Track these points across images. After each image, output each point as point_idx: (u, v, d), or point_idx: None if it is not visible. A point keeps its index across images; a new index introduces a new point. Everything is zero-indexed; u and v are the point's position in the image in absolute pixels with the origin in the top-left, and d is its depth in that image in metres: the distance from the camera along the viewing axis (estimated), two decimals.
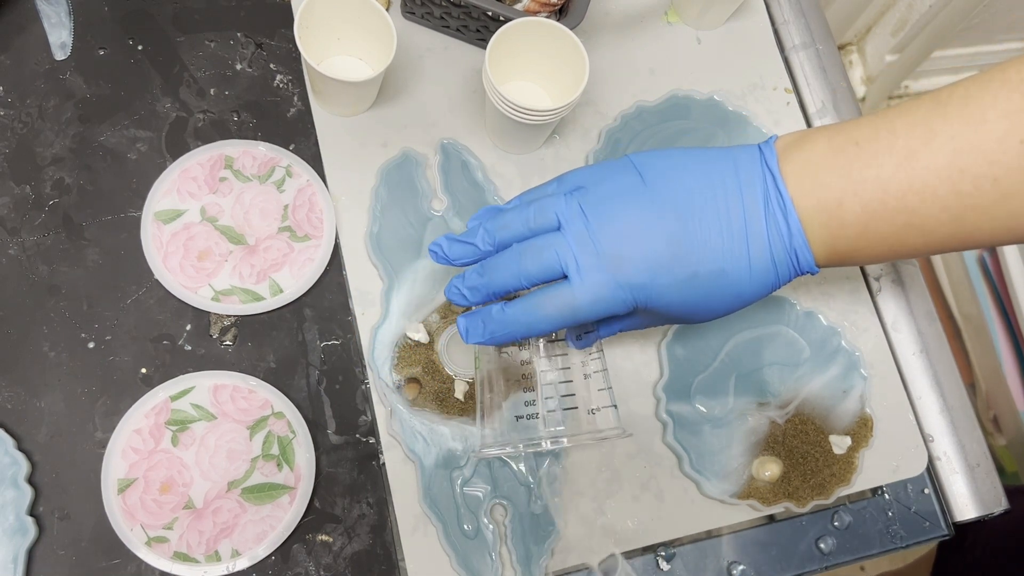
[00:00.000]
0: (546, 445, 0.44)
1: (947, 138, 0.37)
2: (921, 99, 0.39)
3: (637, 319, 0.46)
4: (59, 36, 0.55)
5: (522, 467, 0.51)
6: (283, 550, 0.49)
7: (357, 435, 0.52)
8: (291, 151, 0.55)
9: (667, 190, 0.41)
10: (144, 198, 0.53)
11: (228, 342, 0.52)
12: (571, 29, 0.52)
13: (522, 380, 0.45)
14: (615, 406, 0.47)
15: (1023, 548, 0.74)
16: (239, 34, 0.58)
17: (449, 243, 0.45)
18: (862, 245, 0.40)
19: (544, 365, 0.46)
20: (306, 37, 0.51)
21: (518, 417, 0.45)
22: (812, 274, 0.42)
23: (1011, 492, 0.59)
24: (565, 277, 0.41)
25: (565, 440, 0.44)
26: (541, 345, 0.46)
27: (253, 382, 0.51)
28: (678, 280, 0.41)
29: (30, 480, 0.47)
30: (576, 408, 0.45)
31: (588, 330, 0.47)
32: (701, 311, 0.42)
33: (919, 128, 0.38)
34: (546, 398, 0.45)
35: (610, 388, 0.47)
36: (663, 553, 0.53)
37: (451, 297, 0.45)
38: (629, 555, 0.53)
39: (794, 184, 0.40)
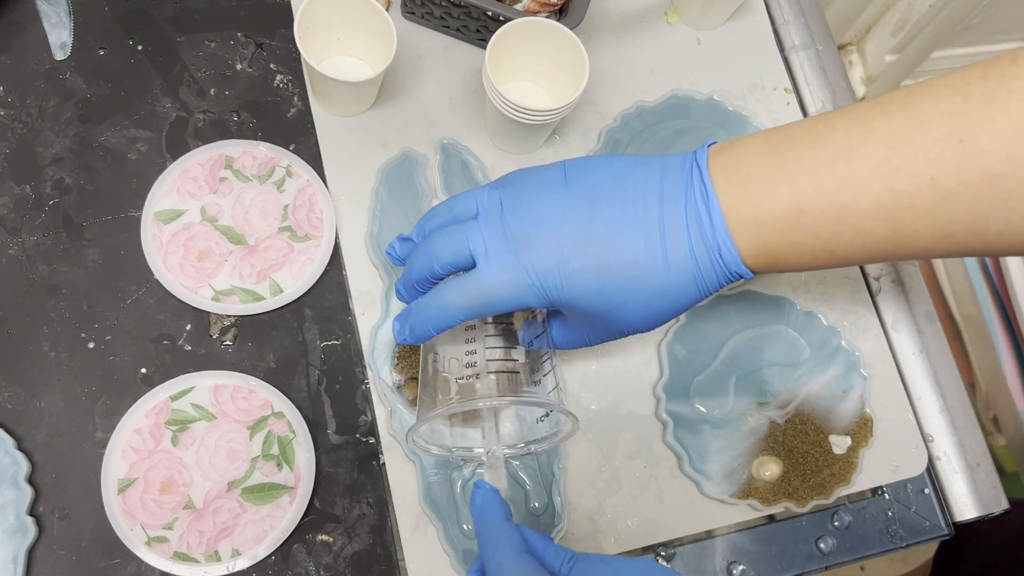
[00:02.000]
0: (483, 404, 0.43)
1: (886, 135, 0.36)
2: (864, 101, 0.39)
3: (579, 329, 0.44)
4: (59, 36, 0.55)
5: (520, 471, 0.51)
6: (283, 550, 0.49)
7: (357, 435, 0.52)
8: (291, 151, 0.55)
9: (585, 182, 0.40)
10: (144, 198, 0.53)
11: (228, 342, 0.52)
12: (571, 29, 0.52)
13: (468, 378, 0.45)
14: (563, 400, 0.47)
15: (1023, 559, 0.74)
16: (239, 34, 0.58)
17: (400, 243, 0.46)
18: (795, 240, 0.39)
19: (490, 355, 0.45)
20: (306, 37, 0.51)
21: (458, 379, 0.44)
22: (745, 278, 0.40)
23: (1014, 504, 0.59)
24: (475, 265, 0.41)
25: (506, 400, 0.43)
26: (484, 342, 0.45)
27: (253, 382, 0.51)
28: (587, 267, 0.39)
29: (30, 480, 0.47)
30: (517, 373, 0.44)
31: (539, 332, 0.46)
32: (623, 310, 0.41)
33: (858, 125, 0.37)
34: (488, 360, 0.44)
35: (559, 388, 0.46)
36: (663, 553, 0.53)
37: (398, 297, 0.45)
38: (629, 555, 0.53)
39: (721, 176, 0.39)
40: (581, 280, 0.39)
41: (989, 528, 0.58)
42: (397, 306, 0.53)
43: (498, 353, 0.45)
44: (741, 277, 0.40)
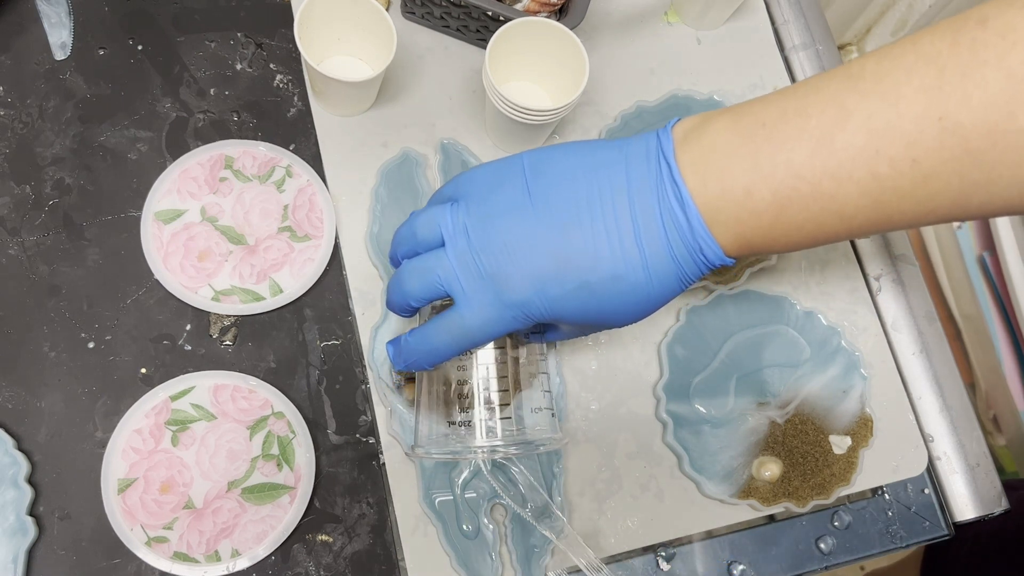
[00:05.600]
0: (480, 455, 0.44)
1: (862, 118, 0.35)
2: (832, 74, 0.37)
3: (567, 331, 0.45)
4: (59, 36, 0.55)
5: (523, 468, 0.51)
6: (283, 550, 0.49)
7: (357, 435, 0.52)
8: (291, 151, 0.55)
9: (552, 202, 0.39)
10: (144, 198, 0.53)
11: (228, 342, 0.52)
12: (571, 29, 0.52)
13: (460, 384, 0.45)
14: (552, 410, 0.46)
15: (1016, 541, 0.74)
16: (239, 34, 0.58)
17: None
18: (777, 234, 0.38)
19: (483, 366, 0.45)
20: (306, 37, 0.51)
21: (451, 423, 0.45)
22: (728, 265, 0.40)
23: (1008, 486, 0.59)
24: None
25: (499, 453, 0.44)
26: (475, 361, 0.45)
27: (253, 382, 0.51)
28: (568, 291, 0.39)
29: (30, 480, 0.47)
30: (510, 419, 0.44)
31: (536, 330, 0.46)
32: (609, 317, 0.40)
33: (832, 108, 0.36)
34: (483, 402, 0.44)
35: (550, 392, 0.47)
36: (663, 553, 0.53)
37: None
38: (629, 555, 0.53)
39: (692, 174, 0.38)
40: (562, 303, 0.39)
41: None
42: None
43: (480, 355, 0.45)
44: (723, 265, 0.40)
